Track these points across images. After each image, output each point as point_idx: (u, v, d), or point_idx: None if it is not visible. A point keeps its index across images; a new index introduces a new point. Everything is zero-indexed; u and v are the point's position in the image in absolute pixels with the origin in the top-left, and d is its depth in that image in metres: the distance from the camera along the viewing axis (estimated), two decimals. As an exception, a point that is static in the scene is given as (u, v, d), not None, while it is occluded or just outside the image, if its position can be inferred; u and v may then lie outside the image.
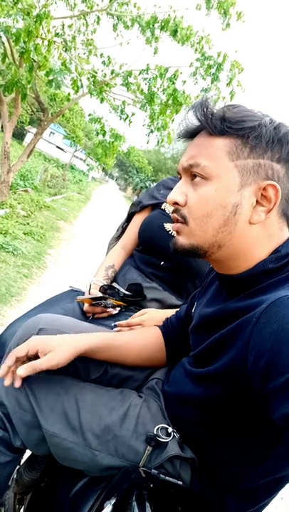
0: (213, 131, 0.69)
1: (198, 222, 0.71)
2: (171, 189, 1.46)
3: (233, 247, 0.70)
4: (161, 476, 0.76)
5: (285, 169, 0.68)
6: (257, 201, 0.68)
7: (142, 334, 1.04)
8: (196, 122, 0.73)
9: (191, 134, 0.75)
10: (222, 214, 0.69)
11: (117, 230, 1.66)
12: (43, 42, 4.32)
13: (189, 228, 0.73)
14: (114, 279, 1.44)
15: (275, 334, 0.54)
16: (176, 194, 0.74)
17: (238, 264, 0.72)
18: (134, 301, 1.30)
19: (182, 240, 0.74)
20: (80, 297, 1.28)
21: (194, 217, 0.71)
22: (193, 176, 0.72)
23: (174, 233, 1.29)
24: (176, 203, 0.74)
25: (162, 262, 1.35)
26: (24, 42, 3.54)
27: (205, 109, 0.70)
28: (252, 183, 0.67)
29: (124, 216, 1.64)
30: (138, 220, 1.50)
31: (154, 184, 1.62)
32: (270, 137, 0.66)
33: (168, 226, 1.34)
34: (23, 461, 1.06)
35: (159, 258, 1.36)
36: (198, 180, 0.71)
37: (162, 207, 1.43)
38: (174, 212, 0.76)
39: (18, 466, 1.05)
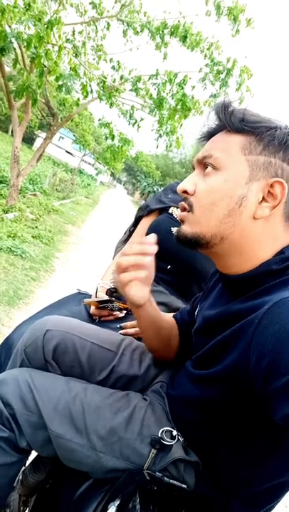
0: (231, 128, 0.73)
1: (202, 211, 0.73)
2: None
3: (235, 241, 0.71)
4: (166, 479, 0.76)
5: None
6: (263, 197, 0.69)
7: (168, 315, 1.07)
8: (216, 121, 0.76)
9: (211, 135, 0.78)
10: (227, 204, 0.70)
11: (124, 234, 1.67)
12: (53, 47, 4.37)
13: (194, 216, 0.74)
14: None
15: (277, 335, 0.54)
16: (187, 183, 0.77)
17: (241, 262, 0.72)
18: None
19: (185, 229, 0.76)
20: (86, 300, 1.28)
21: (200, 205, 0.73)
22: (205, 167, 0.75)
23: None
24: (185, 192, 0.76)
25: (169, 266, 1.35)
26: (35, 47, 3.58)
27: (226, 108, 0.73)
28: (260, 179, 0.69)
29: (132, 220, 1.64)
30: (145, 223, 1.50)
31: (162, 188, 1.62)
32: (284, 139, 0.69)
33: (175, 230, 1.34)
34: (28, 462, 1.07)
35: (166, 262, 1.36)
36: (210, 170, 0.73)
37: (170, 211, 1.42)
38: (182, 200, 0.78)
39: (23, 468, 1.06)
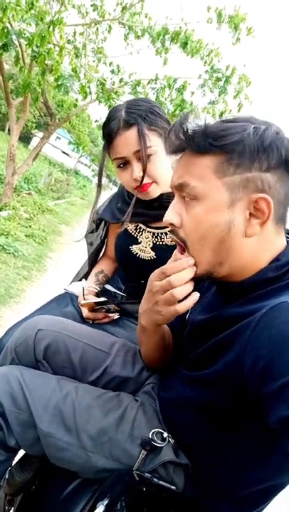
0: (197, 150, 0.68)
1: (195, 247, 0.71)
2: (126, 201, 1.33)
3: (233, 261, 0.70)
4: (155, 480, 0.76)
5: (278, 176, 0.66)
6: (250, 213, 0.67)
7: None
8: (178, 142, 0.71)
9: (177, 151, 0.73)
10: (216, 233, 0.68)
11: (93, 242, 1.53)
12: (54, 47, 4.37)
13: (192, 255, 0.72)
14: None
15: (273, 339, 0.55)
16: (171, 215, 0.73)
17: (239, 273, 0.72)
18: (131, 306, 1.29)
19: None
20: (83, 302, 1.26)
21: (191, 243, 0.71)
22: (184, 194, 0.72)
23: (141, 255, 1.22)
24: (172, 224, 0.74)
25: (142, 281, 1.26)
26: (37, 46, 3.58)
27: (185, 129, 0.68)
28: (243, 198, 0.66)
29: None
30: (112, 232, 1.44)
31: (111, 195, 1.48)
32: (255, 148, 0.64)
33: (134, 249, 1.28)
34: (15, 461, 1.06)
35: (138, 277, 1.29)
36: (189, 199, 0.71)
37: (125, 226, 1.33)
38: (171, 232, 0.76)
39: (10, 467, 1.05)
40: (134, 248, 1.28)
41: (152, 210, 1.27)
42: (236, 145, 0.65)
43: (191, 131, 0.67)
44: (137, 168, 1.15)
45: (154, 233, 1.27)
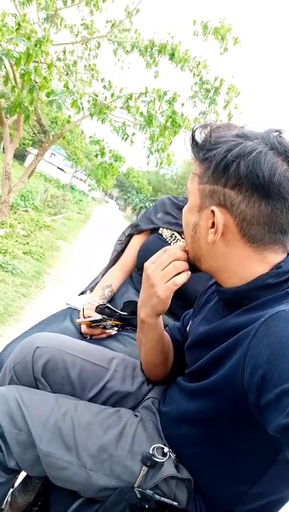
0: (196, 158, 0.77)
1: (185, 236, 0.82)
2: (168, 213, 1.42)
3: (208, 261, 0.77)
4: (157, 496, 0.74)
5: (243, 196, 0.68)
6: (213, 223, 0.72)
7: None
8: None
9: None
10: (189, 231, 0.79)
11: (123, 234, 1.62)
12: (42, 65, 4.42)
13: None
14: (112, 299, 1.43)
15: (272, 346, 0.55)
16: None
17: (231, 278, 0.73)
18: (131, 319, 1.29)
19: None
20: (79, 320, 1.27)
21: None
22: None
23: None
24: None
25: None
26: (24, 64, 3.62)
27: (191, 140, 0.77)
28: (208, 206, 0.73)
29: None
30: (136, 241, 1.49)
31: (153, 204, 1.58)
32: (221, 166, 0.69)
33: None
34: (17, 483, 1.04)
35: None
36: None
37: (159, 231, 1.40)
38: None
39: (12, 489, 1.03)
40: None
41: None
42: (213, 159, 0.71)
43: (195, 143, 0.77)
44: None
45: None
